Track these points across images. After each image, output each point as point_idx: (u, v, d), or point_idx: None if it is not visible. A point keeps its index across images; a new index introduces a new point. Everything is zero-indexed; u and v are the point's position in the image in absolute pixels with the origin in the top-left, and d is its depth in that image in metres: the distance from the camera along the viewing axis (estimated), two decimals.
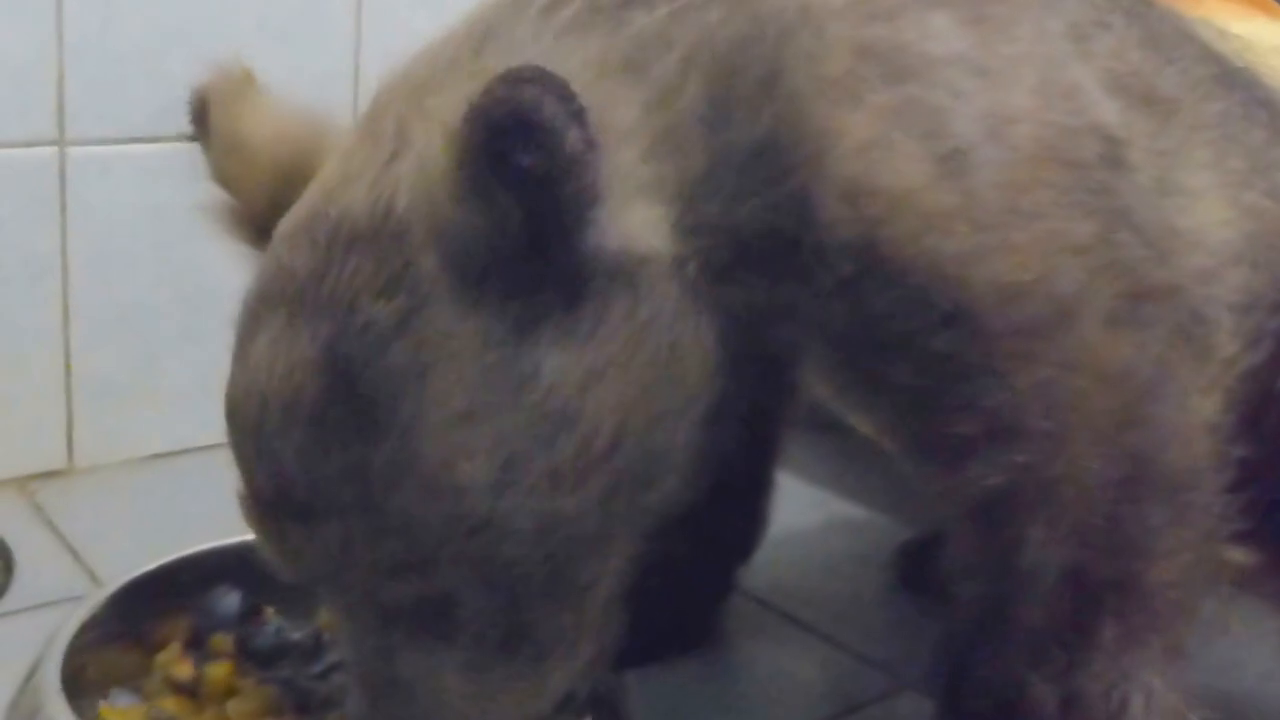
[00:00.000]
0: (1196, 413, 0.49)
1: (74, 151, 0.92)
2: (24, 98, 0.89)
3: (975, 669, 0.52)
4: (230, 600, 0.67)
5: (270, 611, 0.68)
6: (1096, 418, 0.48)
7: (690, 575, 0.70)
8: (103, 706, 0.59)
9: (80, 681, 0.58)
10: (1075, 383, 0.47)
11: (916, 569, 0.82)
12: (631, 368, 0.43)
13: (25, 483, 0.94)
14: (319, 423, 0.43)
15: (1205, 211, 0.52)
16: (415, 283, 0.42)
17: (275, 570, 0.48)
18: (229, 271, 1.01)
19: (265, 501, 0.46)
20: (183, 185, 0.96)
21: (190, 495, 0.94)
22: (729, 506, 0.69)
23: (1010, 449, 0.48)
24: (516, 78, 0.38)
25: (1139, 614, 0.49)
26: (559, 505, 0.43)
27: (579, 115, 0.38)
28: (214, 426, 1.02)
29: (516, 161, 0.38)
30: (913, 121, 0.45)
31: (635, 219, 0.43)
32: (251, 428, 0.46)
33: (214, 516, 0.88)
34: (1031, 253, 0.46)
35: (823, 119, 0.45)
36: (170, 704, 0.60)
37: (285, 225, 0.47)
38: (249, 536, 0.68)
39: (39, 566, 0.80)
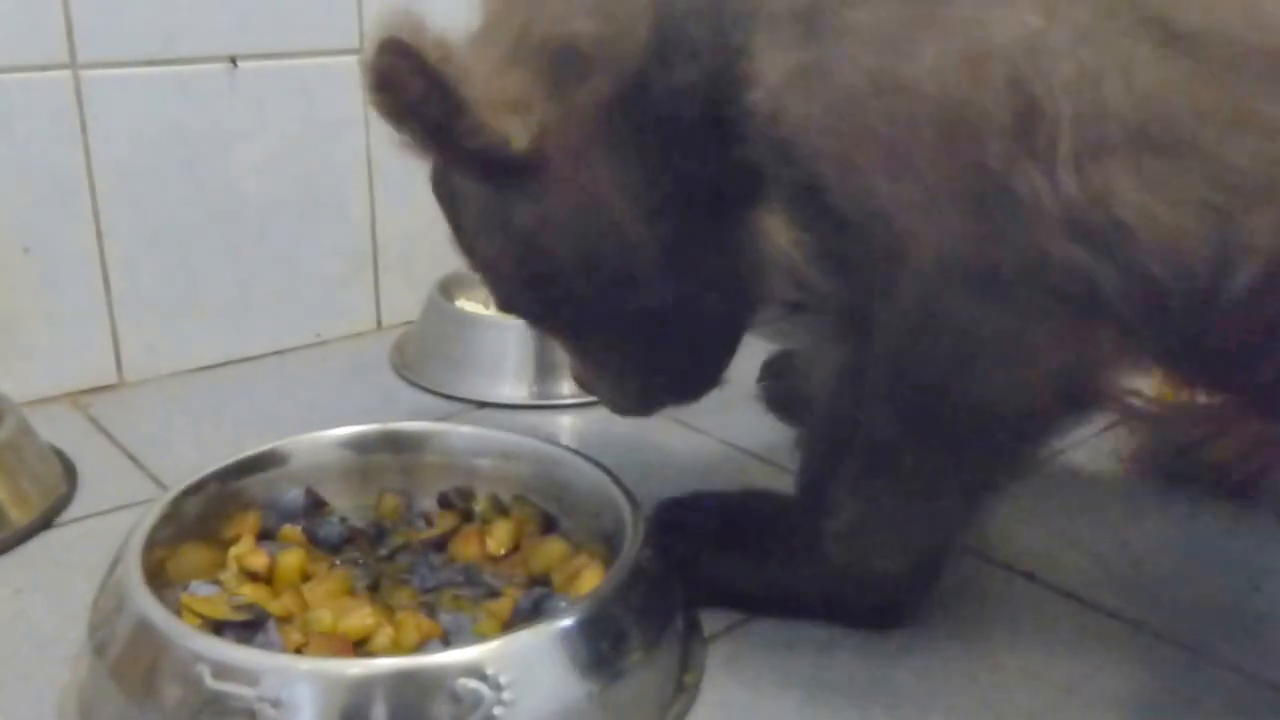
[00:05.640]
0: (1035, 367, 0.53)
1: (88, 75, 0.92)
2: (32, 21, 0.89)
3: (809, 488, 0.66)
4: (295, 495, 0.70)
5: (332, 506, 0.71)
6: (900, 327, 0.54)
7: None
8: (184, 596, 0.62)
9: (160, 576, 0.61)
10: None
11: (775, 386, 0.97)
12: (578, 214, 0.59)
13: (77, 397, 0.97)
14: (439, 198, 0.65)
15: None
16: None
17: None
18: (258, 188, 1.02)
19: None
20: (200, 106, 0.97)
21: (240, 403, 0.97)
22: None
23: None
24: (382, 49, 0.52)
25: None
26: (545, 295, 0.63)
27: (431, 74, 0.52)
28: (256, 338, 1.05)
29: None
30: (815, 75, 0.51)
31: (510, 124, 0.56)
32: None
33: (265, 422, 0.91)
34: (905, 199, 0.50)
35: (755, 57, 0.53)
36: (248, 591, 0.63)
37: None
38: (303, 436, 0.72)
39: (101, 475, 0.83)
